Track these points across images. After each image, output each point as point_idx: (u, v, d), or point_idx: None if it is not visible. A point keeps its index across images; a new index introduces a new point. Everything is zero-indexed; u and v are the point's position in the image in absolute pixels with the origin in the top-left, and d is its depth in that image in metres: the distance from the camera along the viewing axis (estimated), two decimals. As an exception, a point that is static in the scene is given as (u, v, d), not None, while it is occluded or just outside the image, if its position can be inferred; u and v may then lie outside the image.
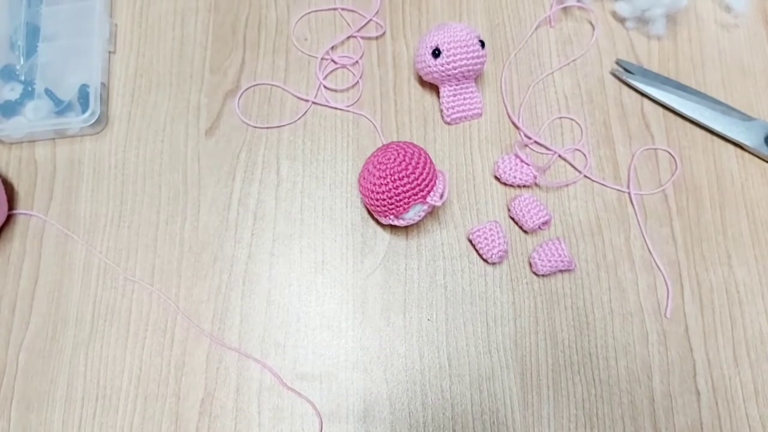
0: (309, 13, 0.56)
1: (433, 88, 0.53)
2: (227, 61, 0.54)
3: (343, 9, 0.55)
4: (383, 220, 0.46)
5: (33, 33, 0.53)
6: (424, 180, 0.43)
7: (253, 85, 0.53)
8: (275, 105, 0.53)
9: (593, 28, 0.55)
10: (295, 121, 0.52)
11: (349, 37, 0.55)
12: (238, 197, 0.50)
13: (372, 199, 0.44)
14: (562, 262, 0.46)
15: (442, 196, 0.44)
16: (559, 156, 0.50)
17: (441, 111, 0.51)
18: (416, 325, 0.46)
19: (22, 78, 0.52)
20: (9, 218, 0.49)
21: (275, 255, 0.48)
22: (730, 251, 0.48)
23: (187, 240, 0.49)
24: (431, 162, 0.45)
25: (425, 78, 0.51)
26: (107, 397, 0.45)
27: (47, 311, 0.47)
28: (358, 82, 0.53)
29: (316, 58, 0.54)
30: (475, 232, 0.47)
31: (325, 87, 0.53)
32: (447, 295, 0.47)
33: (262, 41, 0.55)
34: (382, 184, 0.43)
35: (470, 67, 0.49)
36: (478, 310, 0.46)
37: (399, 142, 0.45)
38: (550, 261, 0.46)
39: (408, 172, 0.43)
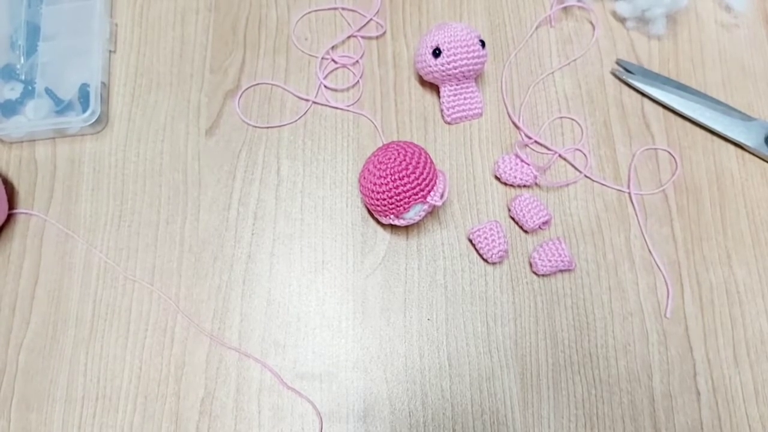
0: (309, 12, 0.56)
1: (434, 87, 0.53)
2: (227, 60, 0.54)
3: (343, 9, 0.55)
4: (383, 220, 0.46)
5: (33, 32, 0.53)
6: (424, 180, 0.43)
7: (254, 85, 0.53)
8: (275, 105, 0.53)
9: (593, 28, 0.55)
10: (296, 120, 0.52)
11: (349, 37, 0.55)
12: (239, 197, 0.50)
13: (372, 198, 0.44)
14: (562, 262, 0.46)
15: (442, 195, 0.44)
16: (560, 156, 0.50)
17: (441, 111, 0.51)
18: (416, 325, 0.46)
19: (23, 77, 0.52)
20: (9, 217, 0.49)
21: (275, 255, 0.48)
22: (730, 251, 0.48)
23: (187, 239, 0.49)
24: (431, 162, 0.45)
25: (425, 78, 0.51)
26: (107, 396, 0.45)
27: (47, 311, 0.47)
28: (358, 81, 0.53)
29: (317, 57, 0.54)
30: (475, 232, 0.47)
31: (325, 87, 0.53)
32: (447, 294, 0.47)
33: (262, 41, 0.55)
34: (382, 183, 0.43)
35: (470, 67, 0.49)
36: (478, 309, 0.46)
37: (399, 141, 0.45)
38: (550, 261, 0.46)
39: (408, 172, 0.43)
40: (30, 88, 0.51)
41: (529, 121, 0.52)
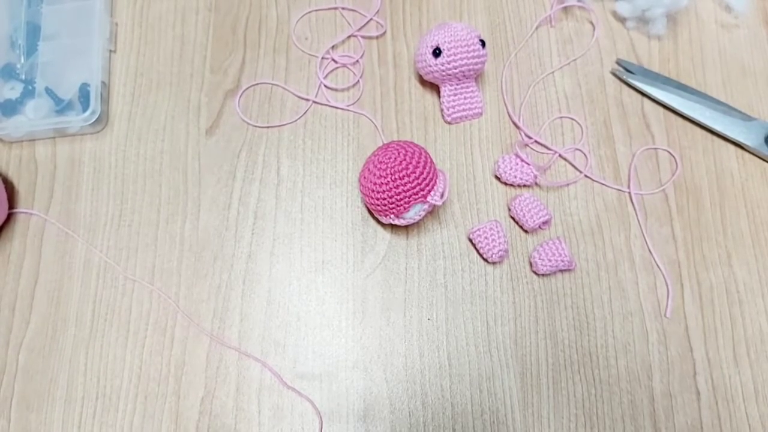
0: (309, 12, 0.56)
1: (434, 87, 0.53)
2: (227, 60, 0.54)
3: (343, 8, 0.55)
4: (384, 220, 0.46)
5: (33, 32, 0.53)
6: (424, 179, 0.43)
7: (254, 85, 0.53)
8: (276, 104, 0.53)
9: (594, 28, 0.55)
10: (296, 120, 0.52)
11: (349, 37, 0.55)
12: (239, 196, 0.50)
13: (372, 198, 0.44)
14: (562, 261, 0.46)
15: (442, 195, 0.44)
16: (560, 156, 0.50)
17: (441, 110, 0.51)
18: (416, 325, 0.46)
19: (23, 77, 0.52)
20: (9, 217, 0.49)
21: (275, 254, 0.48)
22: (730, 251, 0.48)
23: (187, 239, 0.49)
24: (432, 161, 0.45)
25: (426, 77, 0.51)
26: (107, 396, 0.45)
27: (47, 310, 0.47)
28: (358, 81, 0.53)
29: (317, 57, 0.54)
30: (475, 232, 0.47)
31: (325, 86, 0.53)
32: (447, 294, 0.47)
33: (262, 40, 0.55)
34: (382, 183, 0.43)
35: (471, 67, 0.49)
36: (479, 309, 0.46)
37: (399, 141, 0.45)
38: (550, 260, 0.46)
39: (408, 172, 0.43)
40: (30, 87, 0.51)
41: (529, 121, 0.52)
